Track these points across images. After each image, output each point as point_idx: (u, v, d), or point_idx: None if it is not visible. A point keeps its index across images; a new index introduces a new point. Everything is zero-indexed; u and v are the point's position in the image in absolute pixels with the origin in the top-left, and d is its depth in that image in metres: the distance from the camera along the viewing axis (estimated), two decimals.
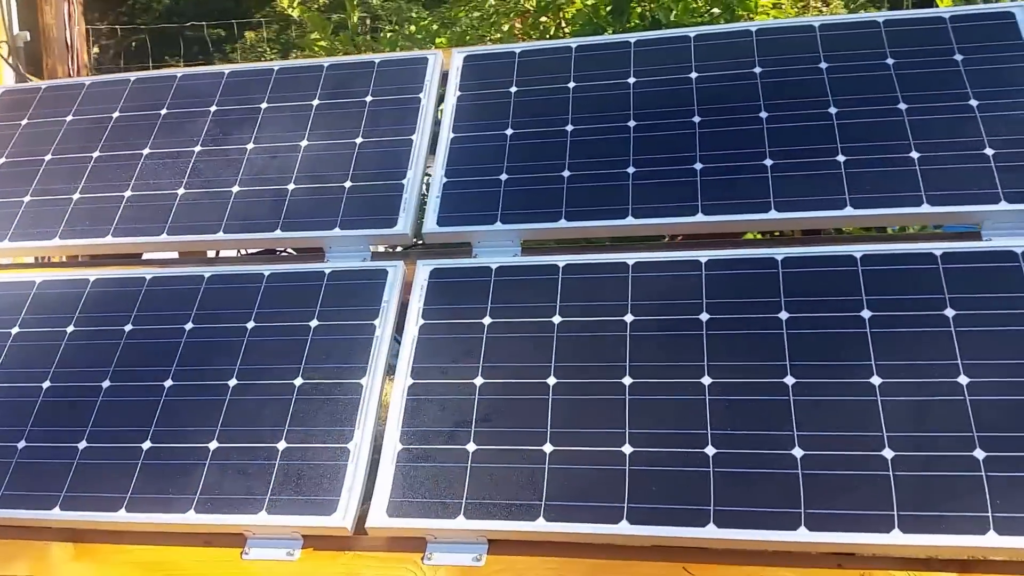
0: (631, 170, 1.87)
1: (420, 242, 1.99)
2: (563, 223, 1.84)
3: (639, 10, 3.17)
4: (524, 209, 1.88)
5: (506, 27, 3.62)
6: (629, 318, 1.68)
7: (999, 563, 1.36)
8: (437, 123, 2.09)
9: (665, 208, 1.81)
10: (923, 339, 1.54)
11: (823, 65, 1.88)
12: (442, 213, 1.92)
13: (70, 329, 1.94)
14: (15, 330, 1.97)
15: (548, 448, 1.57)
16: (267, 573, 1.57)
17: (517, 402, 1.63)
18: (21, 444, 1.80)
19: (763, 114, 1.88)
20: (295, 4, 4.15)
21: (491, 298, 1.77)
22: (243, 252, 2.49)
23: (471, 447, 1.60)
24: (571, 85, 2.03)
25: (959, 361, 1.49)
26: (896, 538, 1.36)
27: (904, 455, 1.43)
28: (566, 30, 3.61)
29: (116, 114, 2.29)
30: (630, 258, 1.76)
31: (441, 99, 2.12)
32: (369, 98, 2.15)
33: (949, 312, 1.55)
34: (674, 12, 3.13)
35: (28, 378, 1.89)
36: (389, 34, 4.37)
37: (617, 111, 1.96)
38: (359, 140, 2.09)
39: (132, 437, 1.75)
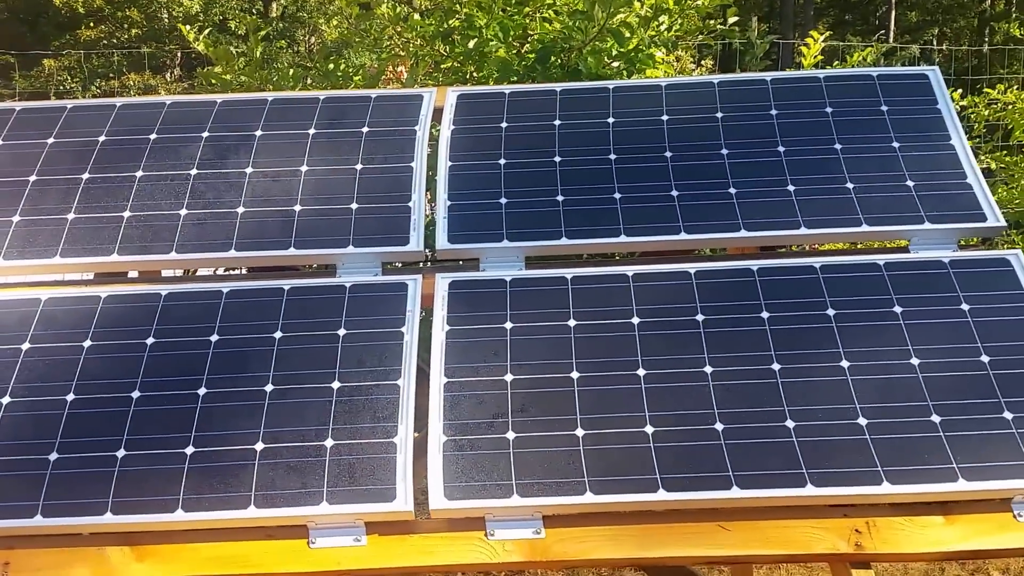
0: (617, 195, 2.16)
1: (428, 260, 2.18)
2: (564, 240, 2.09)
3: (559, 61, 3.50)
4: (527, 228, 2.11)
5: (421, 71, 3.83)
6: (636, 320, 1.95)
7: (972, 503, 1.70)
8: (432, 153, 2.29)
9: (652, 228, 2.10)
10: (879, 330, 1.90)
11: (773, 112, 2.25)
12: (452, 232, 2.12)
13: (87, 344, 1.98)
14: (26, 346, 1.98)
15: (580, 432, 1.80)
16: (340, 559, 1.69)
17: (547, 394, 1.85)
18: (53, 456, 1.82)
19: (724, 151, 2.22)
20: (201, 38, 4.19)
21: (509, 306, 1.99)
22: (216, 271, 2.55)
23: (511, 435, 1.80)
24: (556, 123, 2.30)
25: (910, 347, 1.86)
26: (887, 489, 1.69)
27: (876, 422, 1.77)
28: (476, 75, 3.86)
29: (103, 138, 2.34)
30: (630, 270, 2.04)
31: (436, 132, 2.32)
32: (366, 129, 2.32)
33: (897, 308, 1.92)
34: (590, 61, 3.48)
35: (49, 391, 1.91)
36: (292, 71, 4.48)
37: (599, 145, 2.25)
38: (359, 166, 2.26)
39: (173, 443, 1.82)
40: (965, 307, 1.91)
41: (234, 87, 4.15)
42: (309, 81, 4.31)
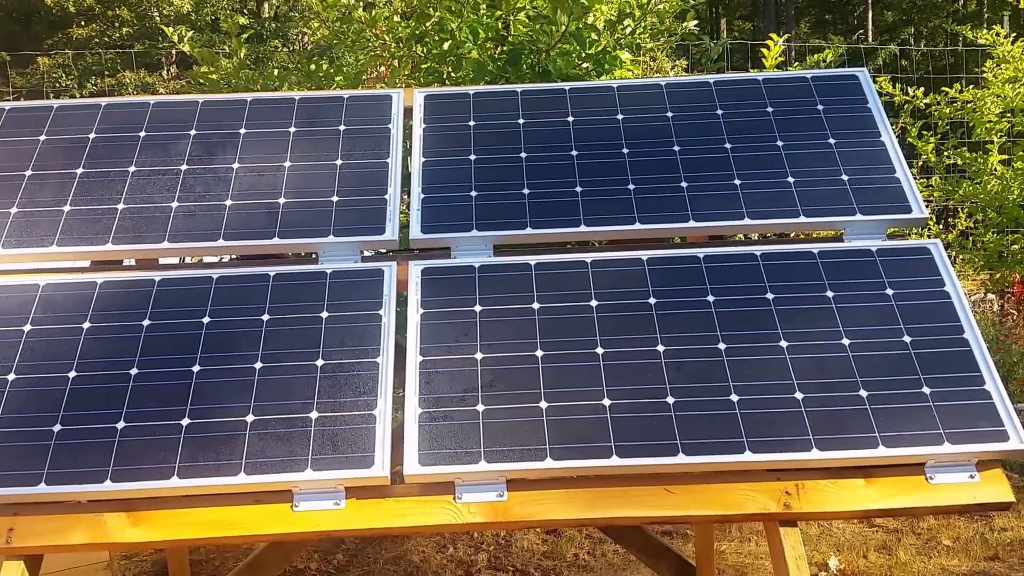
0: (578, 189, 2.33)
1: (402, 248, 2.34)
2: (529, 230, 2.27)
3: (529, 60, 3.67)
4: (495, 219, 2.29)
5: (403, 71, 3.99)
6: (594, 303, 2.13)
7: (890, 468, 1.90)
8: (406, 149, 2.46)
9: (610, 218, 2.28)
10: (812, 313, 2.09)
11: (719, 112, 2.44)
12: (424, 222, 2.29)
13: (87, 326, 2.13)
14: (28, 327, 2.13)
15: (543, 405, 1.98)
16: (320, 521, 1.86)
17: (513, 371, 2.03)
18: (56, 428, 1.97)
19: (676, 148, 2.40)
20: (186, 39, 4.32)
21: (478, 290, 2.16)
22: (190, 259, 2.70)
23: (480, 407, 1.98)
24: (520, 121, 2.47)
25: (841, 328, 2.06)
26: (816, 455, 1.88)
27: (810, 396, 1.97)
28: (454, 76, 4.03)
29: (93, 135, 2.48)
30: (588, 257, 2.22)
31: (408, 130, 2.49)
32: (343, 127, 2.49)
33: (829, 293, 2.12)
34: (558, 63, 3.66)
35: (51, 369, 2.06)
36: (276, 71, 4.62)
37: (561, 142, 2.42)
38: (339, 162, 2.42)
39: (170, 416, 1.98)
40: (890, 292, 2.11)
41: (222, 87, 4.29)
42: (294, 79, 4.46)
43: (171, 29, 4.32)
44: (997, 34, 6.45)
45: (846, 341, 2.04)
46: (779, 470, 1.91)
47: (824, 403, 1.95)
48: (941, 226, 8.01)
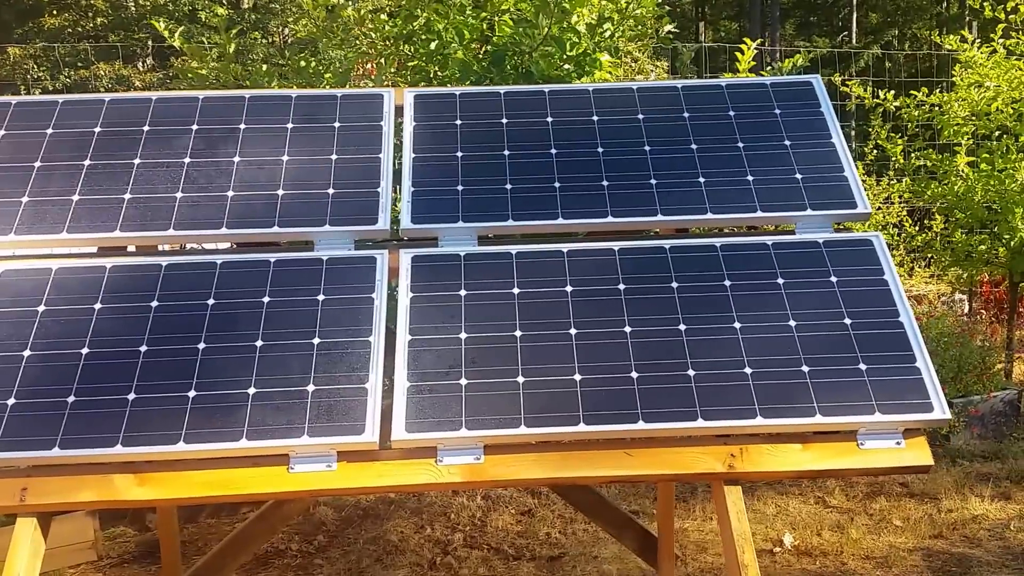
0: (557, 184, 2.54)
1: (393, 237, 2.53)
2: (511, 222, 2.47)
3: (513, 61, 3.87)
4: (479, 211, 2.48)
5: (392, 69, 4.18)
6: (569, 288, 2.34)
7: (825, 434, 2.12)
8: (397, 145, 2.65)
9: (585, 211, 2.48)
10: (764, 298, 2.31)
11: (686, 115, 2.65)
12: (414, 214, 2.48)
13: (98, 306, 2.31)
14: (42, 308, 2.30)
15: (521, 379, 2.18)
16: (312, 481, 2.06)
17: (494, 349, 2.23)
18: (71, 399, 2.15)
19: (647, 147, 2.61)
20: (177, 34, 4.47)
21: (463, 276, 2.36)
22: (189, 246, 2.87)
23: (463, 381, 2.18)
24: (504, 121, 2.67)
25: (788, 311, 2.28)
26: (759, 422, 2.10)
27: (758, 371, 2.18)
28: (440, 74, 4.22)
29: (98, 129, 2.65)
30: (564, 247, 2.42)
31: (398, 127, 2.68)
32: (337, 124, 2.67)
33: (780, 280, 2.34)
34: (540, 64, 3.86)
35: (66, 346, 2.24)
36: (264, 67, 4.78)
37: (541, 141, 2.62)
38: (334, 156, 2.61)
39: (177, 388, 2.17)
40: (834, 279, 2.33)
41: (210, 82, 4.45)
42: (281, 77, 4.62)
43: (161, 23, 4.47)
44: (964, 40, 6.72)
45: (793, 323, 2.26)
46: (727, 435, 2.12)
47: (769, 377, 2.16)
48: (917, 227, 8.30)
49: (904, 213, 8.96)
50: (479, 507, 4.55)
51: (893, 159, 7.13)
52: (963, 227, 7.08)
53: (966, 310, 9.05)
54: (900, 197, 8.28)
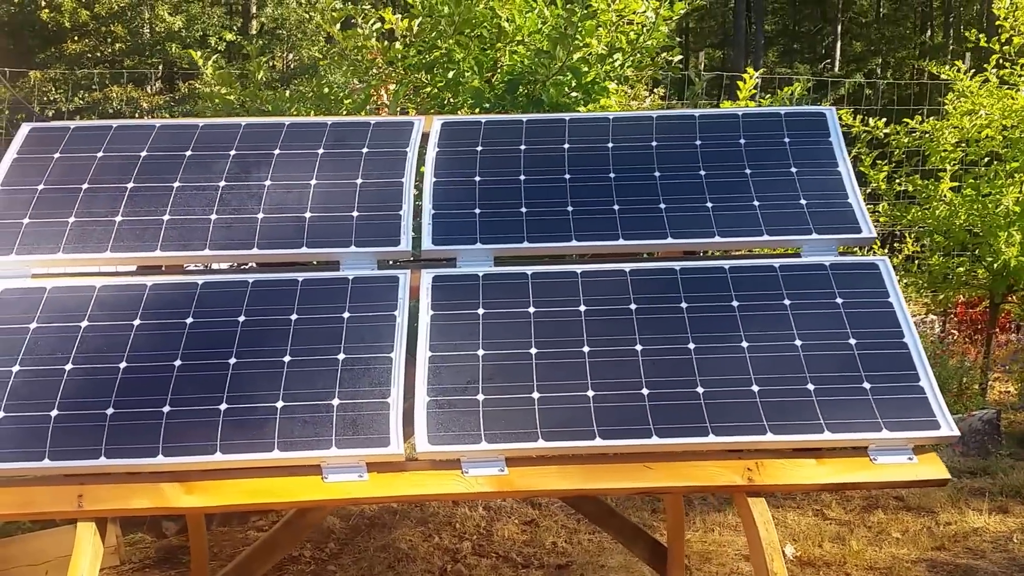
0: (570, 208, 2.65)
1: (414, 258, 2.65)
2: (527, 244, 2.58)
3: (526, 89, 4.00)
4: (496, 233, 2.60)
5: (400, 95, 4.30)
6: (583, 308, 2.44)
7: (836, 450, 2.21)
8: (419, 171, 2.77)
9: (597, 234, 2.59)
10: (771, 318, 2.41)
11: (698, 142, 2.76)
12: (435, 235, 2.60)
13: (137, 322, 2.43)
14: (84, 323, 2.43)
15: (536, 395, 2.29)
16: (349, 490, 2.16)
17: (510, 366, 2.34)
18: (109, 411, 2.27)
19: (657, 173, 2.72)
20: (210, 64, 4.64)
21: (481, 296, 2.47)
22: (228, 266, 3.01)
23: (481, 397, 2.28)
24: (522, 147, 2.79)
25: (794, 331, 2.37)
26: (770, 437, 2.19)
27: (765, 388, 2.28)
28: (452, 101, 4.36)
29: (144, 153, 2.79)
30: (578, 268, 2.53)
31: (422, 153, 2.80)
32: (365, 150, 2.80)
33: (786, 301, 2.43)
34: (551, 92, 3.99)
35: (105, 360, 2.36)
36: (288, 92, 4.93)
37: (556, 167, 2.74)
38: (359, 181, 2.73)
39: (210, 401, 2.29)
40: (839, 301, 2.42)
41: (235, 108, 4.61)
42: (307, 97, 4.77)
43: (197, 53, 4.65)
44: (959, 70, 6.84)
45: (798, 342, 2.35)
46: (738, 451, 2.21)
47: (776, 395, 2.26)
48: (887, 250, 8.39)
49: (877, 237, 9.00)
50: (483, 517, 4.64)
51: (874, 184, 7.19)
52: (941, 250, 7.17)
53: (937, 330, 9.02)
54: (876, 222, 8.36)
